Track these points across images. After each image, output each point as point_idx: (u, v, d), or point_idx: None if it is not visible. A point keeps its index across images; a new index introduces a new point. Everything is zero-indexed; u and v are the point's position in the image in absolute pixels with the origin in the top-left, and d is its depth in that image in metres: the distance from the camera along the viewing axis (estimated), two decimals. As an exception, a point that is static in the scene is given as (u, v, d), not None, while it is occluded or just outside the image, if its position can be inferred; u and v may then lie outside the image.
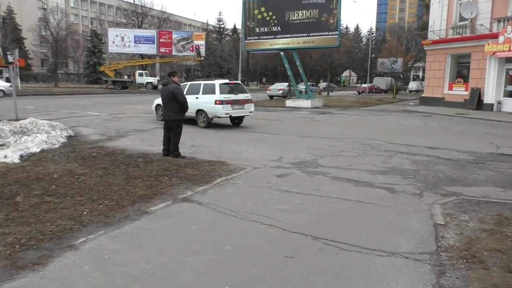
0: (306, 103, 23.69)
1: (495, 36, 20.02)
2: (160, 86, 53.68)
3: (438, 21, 24.13)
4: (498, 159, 8.85)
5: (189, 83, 14.21)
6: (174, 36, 55.02)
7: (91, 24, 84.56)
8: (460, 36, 22.80)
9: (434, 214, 5.16)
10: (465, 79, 23.30)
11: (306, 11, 23.25)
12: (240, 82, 13.90)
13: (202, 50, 54.88)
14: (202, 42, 55.83)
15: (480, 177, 7.24)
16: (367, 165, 8.04)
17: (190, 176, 6.73)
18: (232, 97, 12.68)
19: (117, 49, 54.66)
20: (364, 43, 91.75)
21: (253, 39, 25.43)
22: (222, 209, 5.06)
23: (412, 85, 59.53)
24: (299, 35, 23.72)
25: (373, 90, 51.74)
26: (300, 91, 33.25)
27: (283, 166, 7.78)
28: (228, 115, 12.62)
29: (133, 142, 10.22)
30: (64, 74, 79.21)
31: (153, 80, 50.83)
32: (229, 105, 12.59)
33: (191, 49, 55.19)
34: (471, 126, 15.22)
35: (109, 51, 56.41)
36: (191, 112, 12.70)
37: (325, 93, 42.36)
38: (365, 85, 51.82)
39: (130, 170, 7.11)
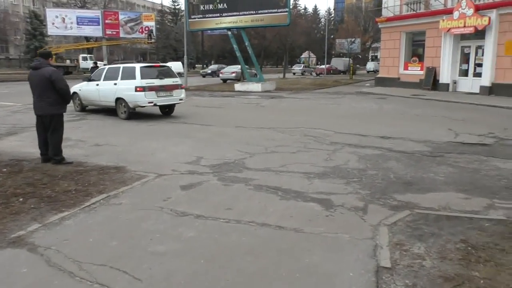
0: (256, 86, 21.99)
1: (450, 12, 18.98)
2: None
3: (393, -3, 22.92)
4: (458, 150, 7.53)
5: (107, 66, 12.11)
6: (120, 17, 51.40)
7: (34, 5, 78.42)
8: (414, 12, 21.69)
9: (379, 245, 3.63)
10: (421, 58, 22.35)
11: (254, -14, 21.32)
12: (167, 65, 11.90)
13: (154, 32, 51.85)
14: (152, 23, 52.66)
15: (438, 176, 5.85)
16: (305, 164, 6.47)
17: (57, 195, 4.89)
18: (157, 82, 10.75)
19: (58, 31, 50.39)
20: (322, 23, 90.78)
21: (198, 18, 23.31)
22: (61, 261, 3.29)
23: (370, 65, 59.07)
24: (247, 12, 21.81)
25: (331, 71, 50.74)
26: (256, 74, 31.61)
27: (197, 171, 6.06)
28: (152, 104, 10.69)
29: (21, 142, 8.16)
30: (5, 59, 73.49)
31: (99, 64, 47.36)
32: (153, 92, 10.66)
33: (140, 30, 51.93)
34: (428, 109, 14.05)
35: (49, 33, 51.91)
36: (109, 101, 10.77)
37: (281, 75, 40.79)
38: (323, 66, 50.73)
39: (-20, 186, 5.17)
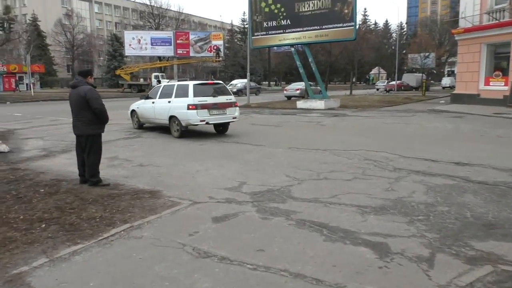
0: (319, 104, 21.12)
1: (541, 20, 16.82)
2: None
3: (471, 6, 20.99)
4: (556, 183, 6.15)
5: (163, 84, 12.06)
6: (191, 36, 53.55)
7: (116, 28, 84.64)
8: (497, 21, 19.59)
9: (448, 319, 2.71)
10: (505, 72, 20.08)
11: (318, 1, 20.68)
12: (221, 82, 11.57)
13: (221, 50, 53.15)
14: (221, 42, 54.08)
15: (531, 218, 4.66)
16: (360, 195, 5.59)
17: (80, 222, 4.51)
18: (210, 100, 10.41)
19: (134, 52, 53.58)
20: (394, 38, 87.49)
21: (261, 35, 23.08)
22: (46, 312, 2.79)
23: (446, 81, 55.28)
24: (311, 28, 21.16)
25: (402, 88, 48.15)
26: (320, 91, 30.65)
27: (236, 199, 5.44)
28: (204, 122, 10.34)
29: (69, 160, 8.11)
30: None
31: (164, 82, 49.33)
32: (206, 110, 10.32)
33: (209, 49, 53.55)
34: (513, 129, 12.29)
35: (126, 54, 55.33)
36: (163, 119, 10.63)
37: (348, 92, 39.36)
38: (393, 83, 48.35)
39: (13, 207, 5.00)
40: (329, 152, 8.77)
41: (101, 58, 75.47)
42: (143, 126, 12.74)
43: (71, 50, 52.25)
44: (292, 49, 23.11)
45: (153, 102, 11.64)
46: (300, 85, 33.02)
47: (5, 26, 38.72)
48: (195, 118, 10.18)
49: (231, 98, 10.93)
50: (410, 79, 52.26)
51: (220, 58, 53.25)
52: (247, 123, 14.56)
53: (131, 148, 9.43)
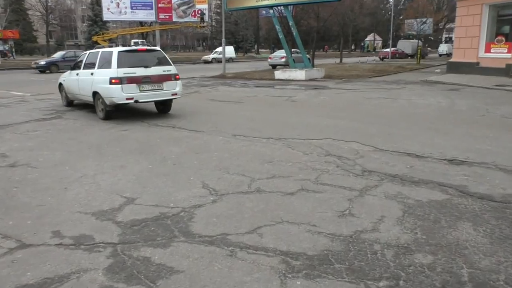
0: (299, 74, 18.80)
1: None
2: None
3: (474, -39, 18.36)
4: None
5: (89, 51, 9.72)
6: (174, 0, 49.97)
7: (99, -9, 79.96)
8: (503, -21, 17.10)
9: None
10: (508, 37, 17.74)
11: (299, -45, 17.97)
12: (159, 49, 9.19)
13: (206, 15, 49.89)
14: (205, 6, 50.65)
15: None
16: (296, 227, 3.57)
17: None
18: (140, 72, 8.15)
19: (113, 17, 50.03)
20: (390, 3, 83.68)
21: (236, -5, 20.41)
22: None
23: (443, 48, 52.61)
24: (291, -13, 18.56)
25: (397, 55, 45.56)
26: (308, 59, 28.05)
27: (92, 239, 3.39)
28: (132, 100, 8.11)
29: None
30: (75, 45, 75.71)
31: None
32: (134, 84, 8.08)
33: (193, 14, 50.20)
34: (520, 106, 10.18)
35: (104, 19, 51.80)
36: (87, 95, 8.42)
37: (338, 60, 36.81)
38: (387, 50, 45.71)
39: None
40: (283, 142, 6.64)
41: (84, 24, 71.58)
42: (73, 103, 10.45)
43: (44, 15, 48.57)
44: (271, 11, 20.52)
45: (77, 74, 9.36)
46: (284, 53, 30.48)
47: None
48: (119, 95, 7.96)
49: (170, 69, 8.65)
50: (405, 46, 49.55)
51: (205, 24, 50.01)
52: (205, 98, 12.34)
53: (28, 136, 7.24)
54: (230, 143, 6.63)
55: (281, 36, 20.03)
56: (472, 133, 7.22)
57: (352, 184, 4.66)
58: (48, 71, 26.54)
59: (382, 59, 43.62)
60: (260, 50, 76.71)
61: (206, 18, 49.62)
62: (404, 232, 3.46)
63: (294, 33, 19.82)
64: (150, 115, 9.26)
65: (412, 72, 24.56)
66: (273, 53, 39.27)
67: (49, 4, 49.19)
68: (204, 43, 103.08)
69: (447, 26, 62.72)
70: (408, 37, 58.44)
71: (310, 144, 6.49)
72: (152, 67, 8.31)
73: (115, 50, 8.22)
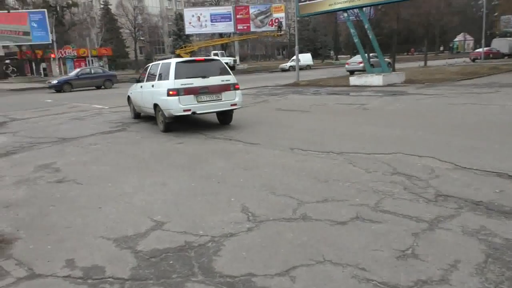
0: (376, 79, 17.55)
1: None
2: (240, 66, 50.37)
3: None
4: None
5: (152, 63, 9.75)
6: (251, 10, 50.85)
7: (184, 7, 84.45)
8: None
9: None
10: None
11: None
12: (218, 58, 8.81)
13: (283, 23, 49.88)
14: (282, 14, 50.74)
15: None
16: (342, 269, 2.93)
17: None
18: (197, 83, 7.91)
19: (194, 30, 52.36)
20: (483, -1, 76.93)
21: (308, 1, 19.79)
22: None
23: (548, 45, 46.59)
24: (366, -13, 17.49)
25: (491, 55, 41.24)
26: (388, 63, 26.44)
27: (103, 274, 3.02)
28: (189, 112, 7.88)
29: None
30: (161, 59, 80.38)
31: (229, 60, 47.46)
32: (192, 96, 7.86)
33: (270, 23, 50.56)
34: None
35: (186, 33, 54.20)
36: (149, 107, 8.46)
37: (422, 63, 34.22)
38: (480, 50, 41.61)
39: None
40: (344, 157, 5.87)
41: (170, 39, 75.77)
42: (140, 115, 10.60)
43: (133, 32, 52.23)
44: (345, 14, 19.54)
45: (141, 87, 9.45)
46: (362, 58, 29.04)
47: (57, 10, 39.30)
48: (176, 106, 7.78)
49: (229, 78, 8.30)
50: (501, 45, 44.72)
51: (282, 32, 49.98)
52: (271, 108, 11.87)
53: (87, 150, 7.32)
54: (285, 157, 6.03)
55: (356, 40, 18.97)
56: None
57: (421, 212, 3.81)
58: (61, 90, 24.34)
59: (473, 60, 39.79)
60: (339, 56, 74.72)
61: (283, 26, 49.58)
62: (486, 287, 2.60)
63: (370, 36, 18.62)
64: (210, 127, 9.00)
65: (509, 73, 21.79)
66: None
67: (138, 22, 52.73)
68: (284, 52, 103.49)
69: (554, 21, 55.62)
70: (505, 35, 52.84)
71: (376, 159, 5.64)
72: (210, 77, 8.03)
73: (173, 61, 8.09)
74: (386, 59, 30.18)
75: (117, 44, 63.50)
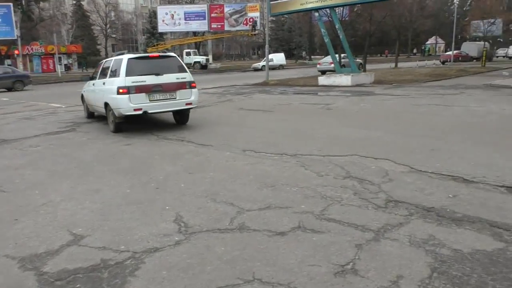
0: (345, 79, 17.44)
1: None
2: (213, 65, 49.77)
3: None
4: None
5: (105, 59, 9.21)
6: (226, 9, 50.17)
7: (159, 4, 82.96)
8: None
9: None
10: None
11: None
12: (174, 55, 8.31)
13: (258, 23, 49.55)
14: (257, 13, 50.30)
15: None
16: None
17: None
18: (150, 80, 7.45)
19: (167, 28, 51.36)
20: (455, 3, 78.79)
21: (279, -1, 19.54)
22: None
23: (514, 49, 48.01)
24: (336, -13, 17.35)
25: (460, 58, 42.14)
26: (360, 64, 26.43)
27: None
28: (140, 111, 7.41)
29: None
30: (135, 58, 78.51)
31: (201, 59, 46.94)
32: (143, 94, 7.39)
33: (244, 22, 50.10)
34: None
35: (159, 31, 53.19)
36: (100, 106, 7.90)
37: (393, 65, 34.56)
38: (450, 53, 42.46)
39: None
40: (298, 160, 5.55)
41: (144, 37, 74.47)
42: (94, 115, 10.01)
43: (104, 29, 50.82)
44: (316, 14, 19.39)
45: (93, 84, 8.91)
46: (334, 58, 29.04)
47: (23, 4, 37.84)
48: (126, 105, 7.30)
49: (185, 76, 7.87)
50: (470, 48, 45.80)
51: (256, 32, 49.67)
52: (234, 107, 11.50)
53: (25, 152, 6.73)
54: (235, 160, 5.66)
55: (326, 39, 18.83)
56: (544, 149, 5.68)
57: (368, 220, 3.51)
58: None
59: (443, 62, 40.57)
60: (313, 56, 75.04)
61: (258, 26, 49.25)
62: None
63: (341, 37, 18.52)
64: (164, 127, 8.55)
65: (475, 75, 22.19)
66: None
67: (111, 18, 51.36)
68: (259, 51, 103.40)
69: (519, 26, 57.42)
70: (475, 39, 54.23)
71: (330, 162, 5.34)
72: (165, 75, 7.58)
73: (125, 57, 7.60)
74: (357, 60, 30.39)
75: (88, 41, 61.74)
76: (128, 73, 7.31)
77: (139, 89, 7.29)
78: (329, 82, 17.90)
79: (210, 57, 51.80)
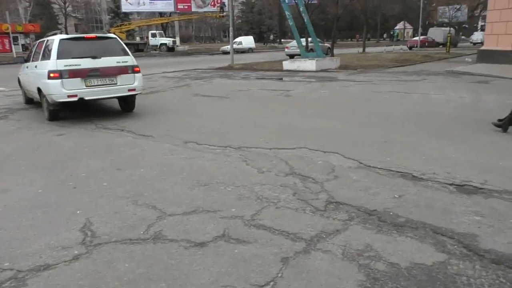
0: (309, 64, 17.05)
1: None
2: (180, 48, 48.38)
3: None
4: None
5: (39, 40, 8.40)
6: (193, -11, 48.65)
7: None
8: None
9: None
10: (551, 20, 15.37)
11: None
12: (114, 36, 7.57)
13: (226, 4, 48.32)
14: (226, -5, 49.05)
15: None
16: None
17: None
18: (86, 64, 6.76)
19: (131, 8, 49.31)
20: (423, -11, 79.53)
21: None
22: None
23: (477, 36, 48.84)
24: (301, -32, 16.79)
25: (426, 44, 42.60)
26: (328, 48, 26.13)
27: None
28: (76, 98, 6.73)
29: None
30: (98, 39, 75.37)
31: (168, 41, 45.46)
32: (78, 79, 6.71)
33: (212, 3, 48.82)
34: None
35: (122, 10, 51.09)
36: (34, 91, 7.13)
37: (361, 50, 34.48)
38: (416, 38, 42.81)
39: None
40: (241, 153, 5.10)
41: (108, 17, 71.68)
42: (33, 101, 9.14)
43: (63, 8, 48.24)
44: (281, -4, 18.82)
45: (27, 67, 8.11)
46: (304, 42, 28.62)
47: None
48: (58, 92, 6.60)
49: (127, 60, 7.22)
50: (436, 34, 46.31)
51: (225, 13, 48.44)
52: (189, 93, 10.91)
53: None
54: (173, 154, 5.15)
55: (291, 23, 18.31)
56: (498, 142, 5.45)
57: (302, 227, 3.12)
58: None
59: (410, 48, 40.87)
60: (284, 40, 74.40)
61: (226, 7, 48.04)
62: None
63: (305, 20, 18.06)
64: (108, 115, 7.90)
65: (440, 61, 22.29)
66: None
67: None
68: (225, 35, 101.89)
69: (483, 13, 58.64)
70: (442, 25, 55.03)
71: (275, 156, 4.92)
72: (103, 58, 6.91)
73: (57, 38, 6.86)
74: (325, 44, 30.08)
75: (47, 20, 58.69)
76: (60, 56, 6.60)
77: (73, 73, 6.61)
78: (293, 67, 17.48)
79: (178, 39, 50.31)
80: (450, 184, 3.92)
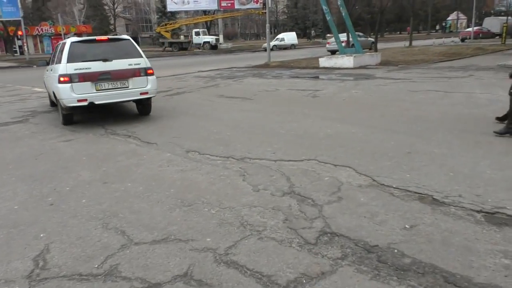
0: (347, 60, 16.18)
1: None
2: (223, 45, 48.47)
3: None
4: None
5: (61, 42, 8.31)
6: (235, -14, 48.54)
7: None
8: None
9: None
10: None
11: None
12: (127, 38, 7.25)
13: (269, 1, 47.78)
14: (268, -9, 48.46)
15: None
16: None
17: None
18: (96, 67, 6.56)
19: (176, 7, 50.08)
20: (479, -23, 74.47)
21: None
22: None
23: (541, 25, 45.00)
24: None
25: (480, 35, 39.74)
26: (372, 43, 24.94)
27: None
28: (86, 102, 6.54)
29: None
30: (149, 37, 77.65)
31: (211, 39, 45.65)
32: (88, 83, 6.51)
33: (255, 0, 48.47)
34: None
35: (168, 10, 51.98)
36: (52, 95, 7.08)
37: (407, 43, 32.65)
38: (469, 29, 40.09)
39: None
40: (243, 165, 4.63)
41: (157, 16, 73.44)
42: (57, 103, 9.18)
43: (112, 9, 49.84)
44: (318, -10, 18.00)
45: (47, 70, 8.10)
46: (345, 37, 27.51)
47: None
48: (68, 96, 6.45)
49: (140, 62, 6.94)
50: (493, 24, 43.07)
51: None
52: (213, 94, 10.55)
53: None
54: (169, 165, 4.77)
55: (328, 17, 17.50)
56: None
57: (281, 267, 2.61)
58: None
59: (462, 40, 38.34)
60: (329, 35, 72.67)
61: (269, 3, 47.52)
62: None
63: (343, 14, 17.18)
64: (122, 119, 7.69)
65: (493, 54, 20.51)
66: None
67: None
68: (275, 30, 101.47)
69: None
70: (499, 14, 51.27)
71: (278, 170, 4.40)
72: (114, 61, 6.69)
73: (68, 41, 6.71)
74: (370, 39, 28.79)
75: (100, 21, 61.01)
76: (71, 59, 6.44)
77: (83, 77, 6.43)
78: (330, 64, 16.68)
79: (221, 36, 50.47)
80: (478, 211, 3.23)
